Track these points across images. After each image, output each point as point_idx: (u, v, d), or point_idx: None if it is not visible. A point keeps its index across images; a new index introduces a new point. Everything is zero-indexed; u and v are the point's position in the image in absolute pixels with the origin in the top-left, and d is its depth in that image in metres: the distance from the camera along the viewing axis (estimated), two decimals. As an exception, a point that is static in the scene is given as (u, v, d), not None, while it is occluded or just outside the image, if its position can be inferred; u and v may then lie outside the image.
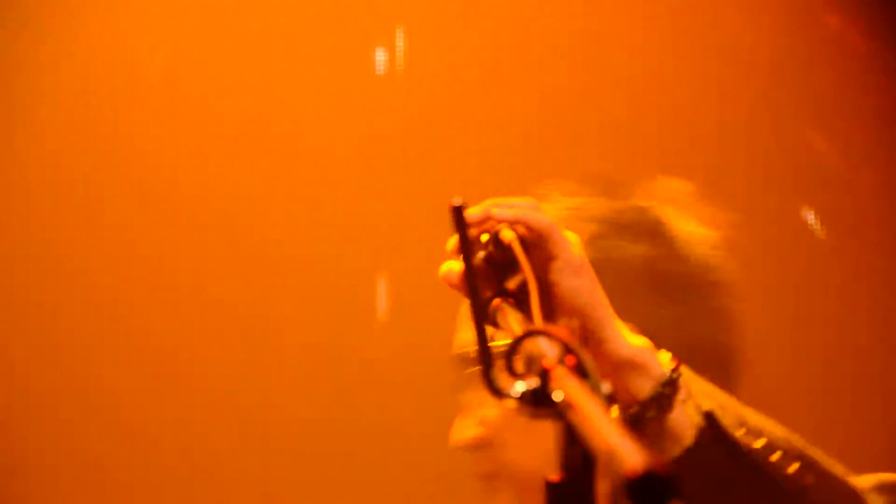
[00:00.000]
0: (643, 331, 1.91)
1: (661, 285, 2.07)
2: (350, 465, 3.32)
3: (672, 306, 2.06)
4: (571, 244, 1.74)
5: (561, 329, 1.35)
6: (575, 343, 1.31)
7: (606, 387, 1.28)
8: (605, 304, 1.75)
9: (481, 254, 1.70)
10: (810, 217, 3.34)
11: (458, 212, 1.46)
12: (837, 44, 3.41)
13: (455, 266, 1.84)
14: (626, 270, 2.06)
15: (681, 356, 1.88)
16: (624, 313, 1.93)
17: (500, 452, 2.00)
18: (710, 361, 1.99)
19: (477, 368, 1.80)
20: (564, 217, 2.04)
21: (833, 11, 3.42)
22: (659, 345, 1.85)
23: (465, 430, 2.03)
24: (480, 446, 2.02)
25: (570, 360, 1.29)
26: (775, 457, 1.68)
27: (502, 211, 1.72)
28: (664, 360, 1.72)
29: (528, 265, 1.64)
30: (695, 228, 2.10)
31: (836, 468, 1.72)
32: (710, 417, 1.69)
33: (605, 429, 1.06)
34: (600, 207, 2.09)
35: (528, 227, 1.72)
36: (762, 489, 1.68)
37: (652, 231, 2.10)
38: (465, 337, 2.06)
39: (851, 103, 3.40)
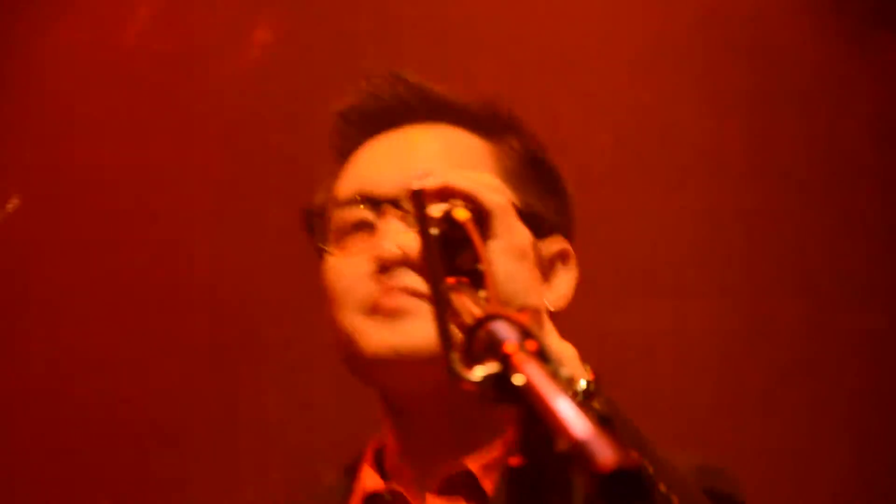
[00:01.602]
0: (543, 226, 1.95)
1: (544, 176, 2.05)
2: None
3: (553, 195, 2.05)
4: (518, 231, 1.74)
5: (521, 313, 1.34)
6: (535, 327, 1.31)
7: (567, 371, 1.28)
8: (539, 298, 1.74)
9: (434, 230, 1.69)
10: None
11: (418, 195, 1.46)
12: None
13: (413, 243, 1.84)
14: (517, 162, 2.04)
15: (562, 241, 1.98)
16: (529, 208, 1.94)
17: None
18: (569, 240, 2.02)
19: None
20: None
21: None
22: (550, 236, 1.94)
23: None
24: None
25: (531, 344, 1.29)
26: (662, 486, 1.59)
27: (458, 182, 1.72)
28: (584, 371, 1.66)
29: (483, 246, 1.64)
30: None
31: None
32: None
33: (573, 419, 1.06)
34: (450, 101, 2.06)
35: (479, 203, 1.72)
36: None
37: (516, 125, 2.08)
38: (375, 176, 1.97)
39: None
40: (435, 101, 2.05)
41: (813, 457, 3.30)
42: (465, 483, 1.90)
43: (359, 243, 1.95)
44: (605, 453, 0.96)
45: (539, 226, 1.97)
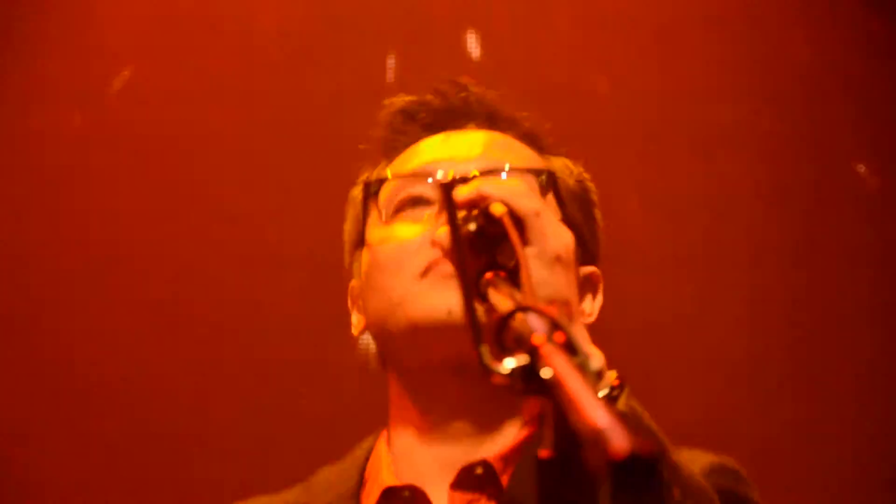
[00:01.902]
0: (585, 254, 2.01)
1: (589, 203, 2.09)
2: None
3: (594, 223, 2.09)
4: (552, 235, 1.75)
5: (550, 306, 1.34)
6: (564, 319, 1.30)
7: (596, 363, 1.28)
8: (572, 303, 1.75)
9: (472, 226, 1.70)
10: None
11: (446, 188, 1.46)
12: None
13: (447, 236, 1.85)
14: (571, 184, 2.07)
15: (596, 269, 2.03)
16: (579, 232, 1.98)
17: None
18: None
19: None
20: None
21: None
22: (588, 263, 1.99)
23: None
24: None
25: (560, 336, 1.29)
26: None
27: (492, 189, 1.74)
28: (610, 377, 1.68)
29: (518, 240, 1.64)
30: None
31: None
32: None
33: (591, 407, 1.05)
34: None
35: (512, 209, 1.74)
36: None
37: (563, 148, 2.12)
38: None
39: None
40: (496, 110, 2.09)
41: (843, 447, 3.27)
42: (484, 475, 1.89)
43: (416, 217, 1.96)
44: (620, 440, 0.95)
45: (583, 252, 2.00)
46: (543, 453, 1.31)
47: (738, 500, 1.87)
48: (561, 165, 2.07)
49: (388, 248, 1.94)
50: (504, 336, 1.36)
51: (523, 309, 1.34)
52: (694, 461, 1.85)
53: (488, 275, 1.63)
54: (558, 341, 1.28)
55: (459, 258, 1.45)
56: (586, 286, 2.05)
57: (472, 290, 1.47)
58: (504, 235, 1.67)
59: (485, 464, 1.89)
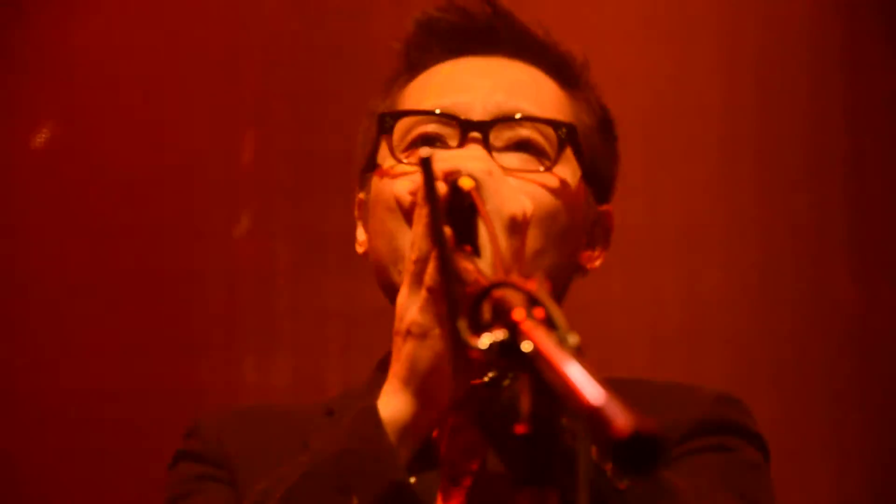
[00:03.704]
0: (603, 192, 2.02)
1: (610, 140, 2.07)
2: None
3: (614, 162, 2.07)
4: (508, 198, 1.72)
5: (528, 281, 1.33)
6: (543, 295, 1.30)
7: (574, 339, 1.27)
8: (512, 269, 1.72)
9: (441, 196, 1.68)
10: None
11: (426, 163, 1.45)
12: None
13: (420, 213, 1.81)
14: (592, 120, 2.04)
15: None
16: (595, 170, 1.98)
17: None
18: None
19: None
20: None
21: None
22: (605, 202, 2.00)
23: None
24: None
25: (539, 312, 1.28)
26: None
27: (439, 164, 1.70)
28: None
29: (487, 213, 1.63)
30: None
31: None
32: None
33: (586, 385, 1.05)
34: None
35: (466, 174, 1.71)
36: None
37: (590, 82, 2.09)
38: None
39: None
40: (522, 36, 2.04)
41: (822, 425, 3.30)
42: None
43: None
44: (622, 418, 0.95)
45: (600, 190, 2.00)
46: (520, 429, 1.31)
47: (740, 428, 1.92)
48: (584, 102, 2.04)
49: (397, 192, 1.87)
50: (480, 311, 1.35)
51: (502, 284, 1.34)
52: (699, 393, 1.94)
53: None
54: (538, 317, 1.27)
55: (437, 234, 1.44)
56: (597, 229, 2.02)
57: (452, 268, 1.46)
58: (471, 209, 1.66)
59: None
